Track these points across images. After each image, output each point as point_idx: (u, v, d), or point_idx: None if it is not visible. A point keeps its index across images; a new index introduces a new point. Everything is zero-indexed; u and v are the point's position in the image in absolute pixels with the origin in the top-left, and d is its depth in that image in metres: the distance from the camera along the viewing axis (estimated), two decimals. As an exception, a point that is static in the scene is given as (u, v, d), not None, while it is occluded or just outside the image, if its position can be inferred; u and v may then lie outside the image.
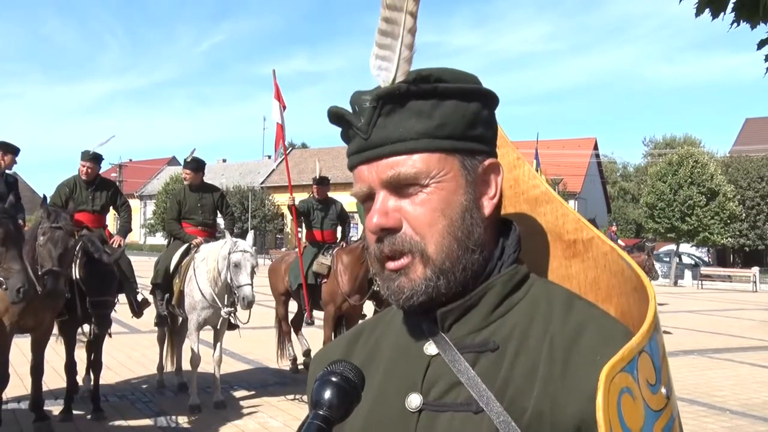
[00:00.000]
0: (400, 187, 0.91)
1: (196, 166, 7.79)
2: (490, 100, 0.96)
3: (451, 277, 0.91)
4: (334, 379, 0.80)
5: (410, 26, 0.89)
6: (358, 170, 0.95)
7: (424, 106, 0.90)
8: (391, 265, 0.93)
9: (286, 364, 8.69)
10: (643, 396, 0.80)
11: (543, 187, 1.11)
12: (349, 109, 0.95)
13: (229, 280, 6.61)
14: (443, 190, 0.91)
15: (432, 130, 0.90)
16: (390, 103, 0.90)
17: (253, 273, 6.62)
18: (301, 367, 8.53)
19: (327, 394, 0.79)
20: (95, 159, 7.12)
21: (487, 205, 0.96)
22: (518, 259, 0.98)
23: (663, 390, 0.84)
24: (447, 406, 0.90)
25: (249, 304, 6.48)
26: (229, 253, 6.57)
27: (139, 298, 7.20)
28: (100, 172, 7.49)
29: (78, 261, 6.06)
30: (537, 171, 17.50)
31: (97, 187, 7.19)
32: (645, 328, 0.83)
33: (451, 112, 0.91)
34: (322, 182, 8.54)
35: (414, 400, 0.92)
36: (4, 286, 4.85)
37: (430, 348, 0.95)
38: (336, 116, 0.95)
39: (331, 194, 8.77)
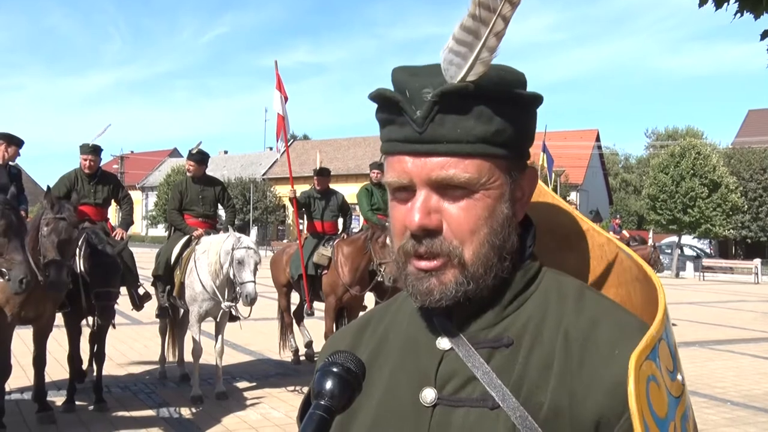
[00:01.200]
0: (445, 188, 0.89)
1: (201, 158, 7.81)
2: (539, 105, 0.95)
3: (482, 283, 0.91)
4: (335, 369, 0.81)
5: (499, 30, 0.85)
6: (398, 159, 0.91)
7: (485, 110, 0.88)
8: (423, 264, 0.90)
9: (287, 356, 8.72)
10: (666, 383, 0.81)
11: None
12: (392, 87, 0.92)
13: (231, 276, 6.61)
14: (489, 198, 0.90)
15: (489, 136, 0.88)
16: (453, 101, 0.87)
17: (256, 269, 6.62)
18: (302, 358, 8.55)
19: (328, 384, 0.80)
20: (95, 151, 7.12)
21: (520, 211, 0.95)
22: (532, 254, 0.98)
23: (679, 377, 0.84)
24: (462, 401, 0.89)
25: (252, 301, 6.49)
26: (233, 249, 6.57)
27: (141, 291, 7.21)
28: (102, 163, 7.49)
29: (82, 253, 6.07)
30: (551, 165, 17.41)
31: (99, 180, 7.19)
32: (660, 317, 0.83)
33: (508, 120, 0.89)
34: (323, 173, 8.54)
35: (428, 395, 0.91)
36: (6, 277, 4.87)
37: (443, 342, 0.94)
38: (387, 100, 0.91)
39: (332, 186, 8.77)
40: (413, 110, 0.88)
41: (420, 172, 0.89)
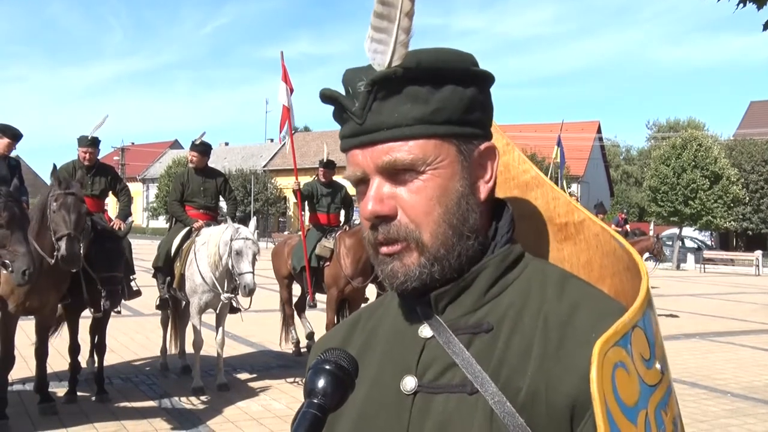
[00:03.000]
0: (396, 173, 0.90)
1: (204, 149, 7.80)
2: (486, 81, 0.95)
3: (446, 264, 0.91)
4: (327, 367, 0.80)
5: (407, 9, 0.87)
6: (351, 153, 0.93)
7: (420, 90, 0.88)
8: (384, 249, 0.92)
9: (288, 347, 8.73)
10: (638, 370, 0.80)
11: (533, 171, 1.11)
12: (342, 89, 0.93)
13: (230, 267, 6.62)
14: (439, 177, 0.90)
15: (428, 116, 0.89)
16: (385, 87, 0.88)
17: (254, 260, 6.62)
18: (304, 350, 8.56)
19: (321, 382, 0.79)
20: (94, 143, 7.13)
21: (483, 190, 0.95)
22: (512, 239, 0.97)
23: (658, 365, 0.83)
24: (442, 388, 0.89)
25: (250, 292, 6.49)
26: (231, 240, 6.57)
27: (134, 286, 7.19)
28: (103, 155, 7.49)
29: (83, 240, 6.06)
30: (562, 160, 17.41)
31: (96, 172, 7.19)
32: (638, 304, 0.83)
33: (447, 97, 0.89)
34: (329, 165, 8.53)
35: (409, 383, 0.92)
36: (10, 269, 4.88)
37: (425, 330, 0.94)
38: (329, 98, 0.94)
39: (334, 177, 8.76)
40: (353, 103, 0.90)
41: (368, 162, 0.90)
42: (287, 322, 8.74)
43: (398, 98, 0.88)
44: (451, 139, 0.91)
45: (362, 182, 0.93)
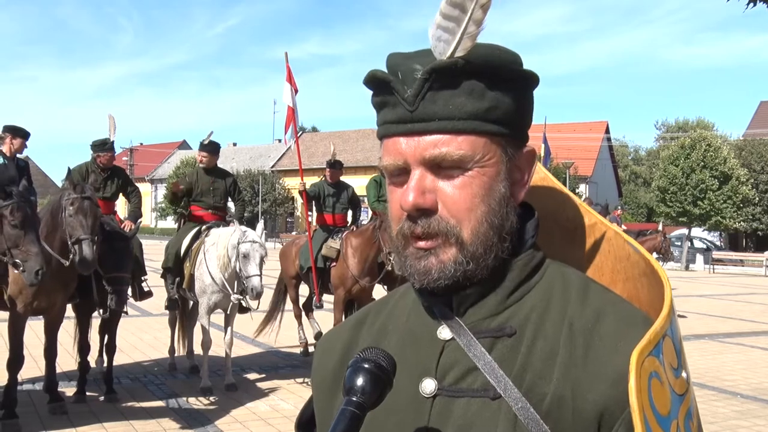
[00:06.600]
0: (440, 167, 0.88)
1: (213, 148, 7.84)
2: (535, 85, 0.94)
3: (482, 263, 0.89)
4: (366, 365, 0.80)
5: (484, 1, 0.85)
6: (393, 141, 0.90)
7: (476, 85, 0.86)
8: (421, 243, 0.89)
9: (297, 347, 8.74)
10: (669, 380, 0.80)
11: (542, 173, 1.09)
12: (387, 73, 0.91)
13: (238, 270, 6.63)
14: (485, 176, 0.88)
15: (482, 113, 0.87)
16: (443, 77, 0.86)
17: (262, 263, 6.63)
18: (312, 350, 8.56)
19: (360, 380, 0.79)
20: (113, 148, 7.27)
21: (519, 192, 0.94)
22: (535, 244, 0.96)
23: (684, 374, 0.83)
24: (463, 392, 0.88)
25: (258, 295, 6.51)
26: (238, 244, 6.58)
27: (145, 287, 7.22)
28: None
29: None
30: (548, 157, 17.44)
31: (109, 175, 7.26)
32: (665, 312, 0.82)
33: (502, 96, 0.88)
34: (336, 166, 8.53)
35: (428, 386, 0.90)
36: (21, 269, 4.91)
37: (444, 332, 0.92)
38: (378, 81, 0.90)
39: (342, 178, 8.76)
40: (404, 89, 0.87)
41: (413, 151, 0.88)
42: (299, 318, 8.76)
43: (454, 90, 0.86)
44: (500, 140, 0.89)
45: (401, 172, 0.90)
